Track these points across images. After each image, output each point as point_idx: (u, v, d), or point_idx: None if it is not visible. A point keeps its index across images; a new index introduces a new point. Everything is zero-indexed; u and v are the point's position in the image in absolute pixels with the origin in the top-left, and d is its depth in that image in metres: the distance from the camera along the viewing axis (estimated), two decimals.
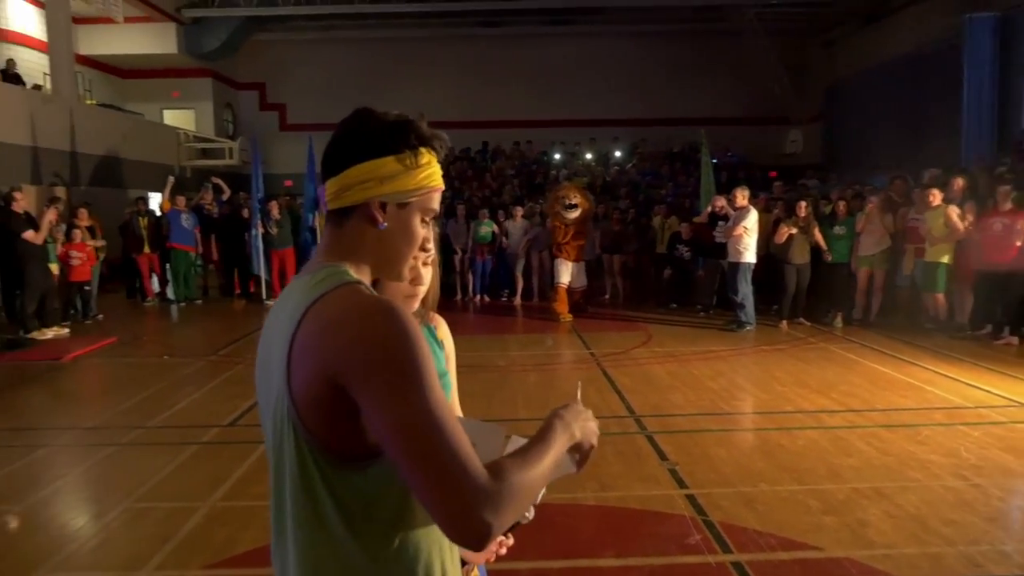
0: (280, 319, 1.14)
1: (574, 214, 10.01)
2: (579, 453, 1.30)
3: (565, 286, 10.21)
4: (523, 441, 1.22)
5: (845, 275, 9.57)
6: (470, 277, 12.42)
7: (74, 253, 10.14)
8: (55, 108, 13.89)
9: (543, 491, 1.38)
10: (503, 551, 1.69)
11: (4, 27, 15.47)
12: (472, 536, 1.01)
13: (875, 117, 16.27)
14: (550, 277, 11.23)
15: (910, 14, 15.31)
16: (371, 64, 20.62)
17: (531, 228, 12.16)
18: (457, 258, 12.43)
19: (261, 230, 11.76)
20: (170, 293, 12.42)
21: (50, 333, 9.09)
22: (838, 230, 9.54)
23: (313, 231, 11.69)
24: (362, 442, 1.07)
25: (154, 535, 3.64)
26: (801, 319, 9.51)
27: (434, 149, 1.24)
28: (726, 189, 10.94)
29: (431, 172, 1.23)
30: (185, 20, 18.72)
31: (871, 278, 9.36)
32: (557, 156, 18.97)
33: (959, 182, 8.83)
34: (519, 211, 12.37)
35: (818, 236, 9.32)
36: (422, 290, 1.66)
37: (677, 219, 11.82)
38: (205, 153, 19.72)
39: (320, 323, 1.07)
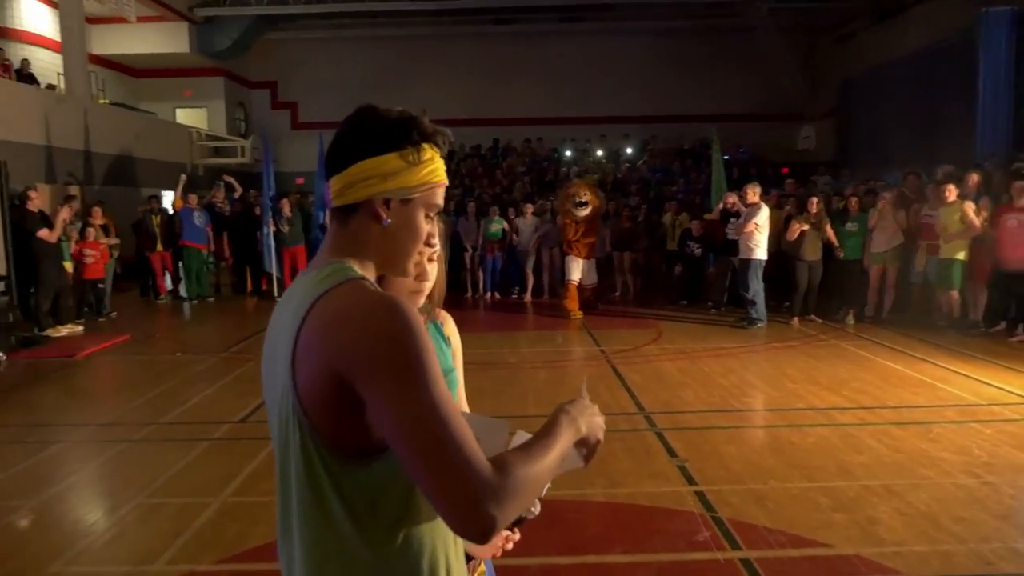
0: (285, 315, 1.15)
1: (584, 211, 10.00)
2: (586, 448, 1.31)
3: (576, 283, 10.20)
4: (527, 436, 1.23)
5: (857, 272, 9.51)
6: (480, 274, 12.43)
7: (88, 251, 10.24)
8: (69, 108, 14.00)
9: (547, 486, 1.38)
10: (509, 546, 1.69)
11: (18, 27, 15.61)
12: (476, 530, 1.01)
13: (889, 113, 16.13)
14: (560, 274, 11.24)
15: (925, 8, 15.16)
16: (382, 62, 20.65)
17: (541, 225, 12.15)
18: (467, 255, 12.45)
19: (272, 228, 11.83)
20: (183, 291, 12.50)
21: (64, 330, 9.19)
22: (850, 226, 9.48)
23: (324, 229, 11.64)
24: (367, 437, 1.08)
25: (166, 530, 3.68)
26: (813, 316, 9.46)
27: (437, 145, 1.24)
28: (738, 186, 10.90)
29: (434, 168, 1.24)
30: (197, 19, 18.81)
31: (884, 275, 9.30)
32: (568, 153, 18.94)
33: (974, 178, 8.75)
34: (529, 208, 12.36)
35: (830, 233, 9.27)
36: (428, 286, 1.66)
37: (688, 216, 11.79)
38: (217, 152, 19.82)
39: (324, 319, 1.08)
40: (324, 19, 20.16)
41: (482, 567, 1.84)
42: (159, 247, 12.18)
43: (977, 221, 8.11)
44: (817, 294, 9.53)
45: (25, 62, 14.31)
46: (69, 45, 14.79)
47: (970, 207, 8.17)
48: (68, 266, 9.80)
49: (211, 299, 12.48)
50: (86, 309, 10.37)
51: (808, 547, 3.37)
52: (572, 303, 10.16)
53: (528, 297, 12.10)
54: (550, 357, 7.93)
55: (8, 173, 9.51)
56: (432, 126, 1.23)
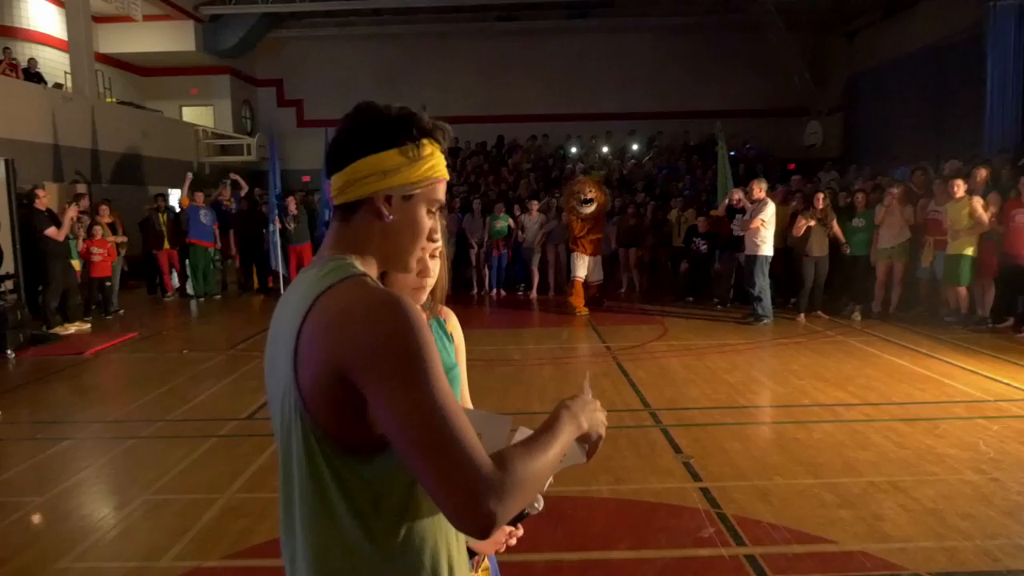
0: (287, 311, 1.16)
1: (589, 208, 9.98)
2: (588, 443, 1.31)
3: (581, 280, 10.20)
4: (529, 432, 1.23)
5: (864, 268, 9.48)
6: (486, 271, 12.44)
7: (95, 249, 10.29)
8: (76, 106, 14.06)
9: (549, 481, 1.38)
10: (513, 541, 1.70)
11: (25, 27, 15.69)
12: (477, 525, 1.02)
13: (896, 109, 16.05)
14: (566, 271, 11.23)
15: (932, 4, 15.07)
16: (387, 59, 20.65)
17: (547, 222, 12.14)
18: (473, 252, 12.45)
19: (278, 225, 11.86)
20: (189, 288, 12.55)
21: (72, 328, 9.24)
22: (857, 222, 9.45)
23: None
24: (369, 433, 1.09)
25: (173, 526, 3.70)
26: (819, 312, 9.44)
27: (436, 140, 1.24)
28: (744, 182, 10.87)
29: (434, 163, 1.24)
30: (203, 18, 18.85)
31: (890, 271, 9.27)
32: (573, 150, 18.90)
33: (982, 173, 8.70)
34: (535, 205, 12.35)
35: (836, 229, 9.24)
36: (430, 282, 1.66)
37: (694, 212, 11.76)
38: (223, 150, 19.88)
39: (326, 315, 1.08)
40: (330, 17, 20.21)
41: (486, 563, 1.84)
42: (166, 245, 12.24)
43: (985, 217, 8.07)
44: (823, 290, 9.50)
45: (32, 61, 14.37)
46: (76, 44, 14.87)
47: (979, 203, 8.12)
48: (76, 264, 9.85)
49: (218, 297, 12.53)
50: (94, 307, 10.43)
51: (813, 543, 3.37)
52: (578, 300, 10.15)
53: (534, 294, 12.09)
54: (556, 354, 7.93)
55: (16, 172, 9.56)
56: (431, 121, 1.23)
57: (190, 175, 12.81)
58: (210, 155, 19.38)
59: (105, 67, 17.75)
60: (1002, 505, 3.73)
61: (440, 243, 1.59)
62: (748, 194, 9.50)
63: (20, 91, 12.68)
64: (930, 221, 8.85)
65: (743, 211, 9.81)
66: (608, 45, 20.68)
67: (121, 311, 10.68)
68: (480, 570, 1.81)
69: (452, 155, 18.17)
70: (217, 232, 12.52)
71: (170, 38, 18.64)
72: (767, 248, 9.06)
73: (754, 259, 9.10)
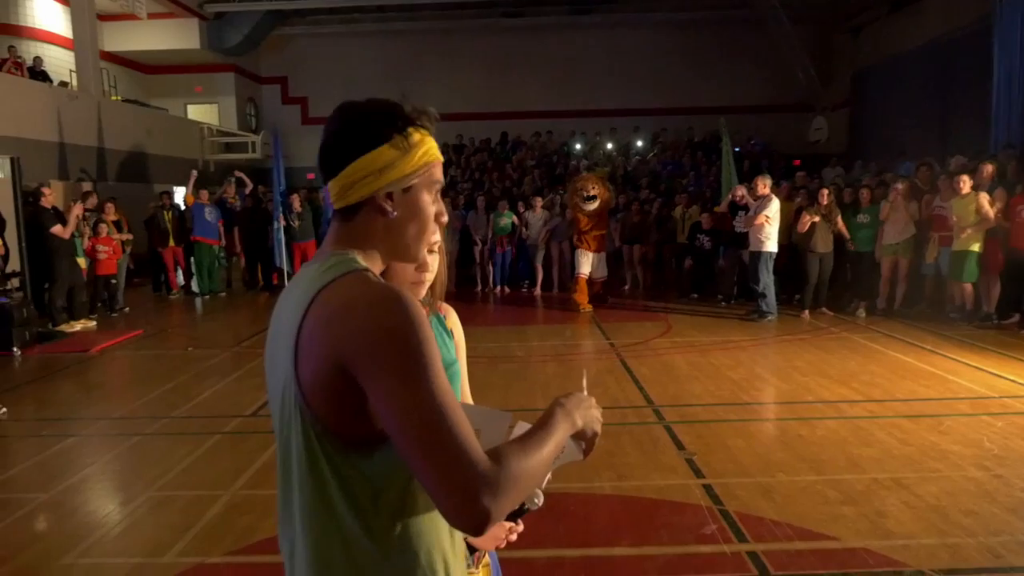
0: (288, 306, 1.16)
1: (593, 205, 9.98)
2: (584, 441, 1.31)
3: (585, 277, 10.19)
4: (528, 428, 1.23)
5: (869, 264, 9.45)
6: (490, 268, 12.44)
7: (101, 247, 10.32)
8: (81, 105, 14.11)
9: (548, 477, 1.39)
10: (513, 537, 1.70)
11: (30, 25, 15.73)
12: (471, 521, 1.02)
13: (902, 104, 15.98)
14: (570, 268, 11.23)
15: None
16: (391, 56, 20.65)
17: (551, 219, 12.14)
18: (477, 249, 12.46)
19: (283, 223, 11.88)
20: (194, 286, 12.58)
21: (78, 326, 9.28)
22: (862, 218, 9.42)
23: None
24: (369, 427, 1.09)
25: (177, 523, 3.71)
26: (824, 309, 9.41)
27: (423, 125, 1.23)
28: (748, 178, 10.84)
29: (426, 148, 1.23)
30: (207, 15, 18.87)
31: (895, 267, 9.23)
32: (577, 146, 18.89)
33: (988, 168, 8.66)
34: (539, 202, 12.34)
35: (841, 225, 9.22)
36: (428, 277, 1.66)
37: (698, 209, 11.74)
38: (228, 147, 19.92)
39: (328, 309, 1.08)
40: (334, 14, 20.21)
41: (487, 559, 1.85)
42: (171, 243, 12.27)
43: (992, 213, 8.03)
44: (828, 286, 9.48)
45: (38, 59, 14.42)
46: (81, 42, 14.91)
47: (985, 199, 8.09)
48: (82, 262, 9.89)
49: (222, 294, 12.56)
50: (99, 304, 10.46)
51: (816, 540, 3.37)
52: (581, 296, 10.15)
53: (538, 291, 12.09)
54: (559, 351, 7.93)
55: (22, 170, 9.61)
56: (413, 108, 1.22)
57: (195, 173, 12.84)
58: (215, 153, 19.42)
59: (110, 65, 17.79)
60: (1006, 502, 3.72)
61: (439, 239, 1.59)
62: (752, 190, 9.47)
63: (25, 89, 12.72)
64: (935, 217, 8.81)
65: (746, 208, 9.79)
66: (612, 41, 20.64)
67: (126, 309, 10.72)
68: (481, 566, 1.82)
69: (456, 151, 18.18)
70: (222, 230, 12.55)
71: (175, 36, 18.67)
72: (771, 244, 9.03)
73: (758, 255, 9.08)
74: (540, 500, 1.46)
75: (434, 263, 1.66)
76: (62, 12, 16.13)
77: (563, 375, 6.75)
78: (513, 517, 1.55)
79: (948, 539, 3.34)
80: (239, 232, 12.96)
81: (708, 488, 3.98)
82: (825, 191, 9.35)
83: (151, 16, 17.22)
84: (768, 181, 9.34)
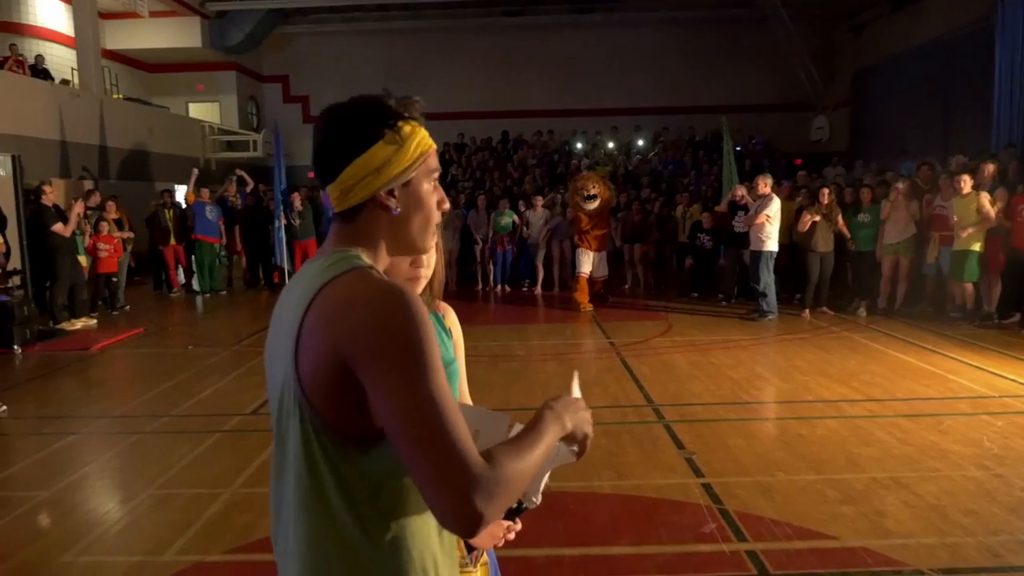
0: (290, 302, 1.16)
1: (593, 205, 9.97)
2: (575, 443, 1.31)
3: (586, 276, 10.19)
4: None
5: (869, 263, 9.44)
6: (491, 267, 12.44)
7: (102, 245, 10.33)
8: (83, 103, 14.12)
9: (547, 478, 1.39)
10: (511, 536, 1.70)
11: (32, 23, 15.74)
12: (463, 523, 1.02)
13: (904, 103, 15.97)
14: (571, 267, 11.22)
15: None
16: (393, 55, 20.66)
17: (552, 218, 12.13)
18: (478, 248, 12.46)
19: (284, 221, 11.88)
20: (195, 284, 12.59)
21: (79, 324, 9.29)
22: (862, 218, 9.41)
23: None
24: (367, 423, 1.09)
25: (177, 521, 3.72)
26: (824, 308, 9.40)
27: (412, 116, 1.22)
28: (750, 177, 10.83)
29: (419, 138, 1.22)
30: (209, 14, 18.87)
31: (896, 266, 9.23)
32: (579, 146, 18.88)
33: (990, 168, 8.65)
34: (539, 201, 12.34)
35: (841, 224, 9.21)
36: (425, 272, 1.64)
37: (699, 208, 11.74)
38: (230, 146, 19.94)
39: (330, 305, 1.08)
40: (335, 12, 20.20)
41: (485, 557, 1.85)
42: (172, 241, 12.28)
43: (993, 213, 8.03)
44: (829, 286, 9.47)
45: (39, 57, 14.43)
46: (83, 40, 14.92)
47: (986, 198, 8.08)
48: (83, 260, 9.90)
49: (223, 293, 12.57)
50: (100, 303, 10.47)
51: (815, 539, 3.37)
52: (582, 296, 10.15)
53: (538, 290, 12.09)
54: (560, 350, 7.93)
55: (23, 168, 9.61)
56: (399, 101, 1.22)
57: (196, 171, 12.85)
58: (216, 151, 19.43)
59: (112, 63, 17.79)
60: (1005, 501, 3.72)
61: (436, 237, 1.58)
62: (753, 189, 9.47)
63: (27, 87, 12.73)
64: (936, 216, 8.80)
65: (745, 208, 9.79)
66: (613, 40, 20.63)
67: (127, 307, 10.73)
68: (479, 565, 1.82)
69: (458, 150, 18.17)
70: (223, 228, 12.55)
71: (176, 34, 18.67)
72: (772, 244, 9.03)
73: (759, 255, 9.07)
74: (539, 499, 1.46)
75: (431, 260, 1.66)
76: (64, 10, 16.15)
77: (563, 374, 6.73)
78: (511, 516, 1.55)
79: (947, 538, 3.34)
80: (240, 230, 12.97)
81: (707, 487, 3.98)
82: (826, 190, 9.34)
83: (153, 14, 17.23)
84: (769, 180, 9.33)
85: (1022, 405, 5.38)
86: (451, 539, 1.27)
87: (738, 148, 15.68)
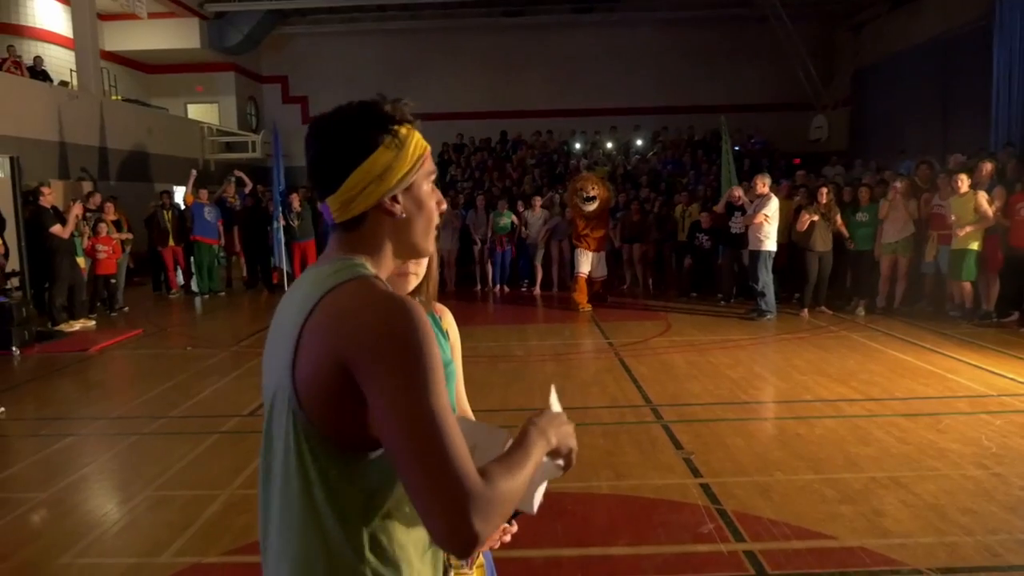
0: (290, 306, 1.15)
1: (592, 206, 9.97)
2: (560, 458, 1.30)
3: (585, 276, 10.19)
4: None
5: (868, 263, 9.44)
6: (489, 267, 12.44)
7: (100, 246, 10.33)
8: (82, 104, 14.11)
9: (540, 492, 1.38)
10: (507, 538, 1.70)
11: (31, 24, 15.74)
12: (458, 542, 1.00)
13: (903, 102, 15.98)
14: (570, 267, 11.22)
15: None
16: (392, 55, 20.67)
17: (551, 218, 12.13)
18: (477, 249, 12.46)
19: (282, 222, 11.88)
20: (194, 286, 12.59)
21: (77, 325, 9.28)
22: (861, 217, 9.42)
23: None
24: (361, 433, 1.08)
25: (175, 522, 3.72)
26: (823, 307, 9.40)
27: (406, 118, 1.21)
28: (749, 177, 10.83)
29: (416, 140, 1.22)
30: (208, 15, 18.87)
31: (894, 265, 9.23)
32: (578, 146, 18.88)
33: (988, 167, 8.65)
34: (538, 201, 12.34)
35: (840, 223, 9.21)
36: (414, 269, 1.62)
37: (698, 207, 11.74)
38: (228, 147, 19.94)
39: (332, 312, 1.07)
40: (334, 13, 20.21)
41: (480, 559, 1.84)
42: (171, 242, 12.28)
43: (990, 212, 8.03)
44: (827, 285, 9.47)
45: (38, 59, 14.42)
46: (81, 42, 14.92)
47: (983, 197, 8.08)
48: (81, 261, 9.89)
49: (222, 294, 12.58)
50: (99, 304, 10.47)
51: (813, 539, 3.36)
52: (581, 296, 10.15)
53: (537, 290, 12.09)
54: (558, 350, 7.93)
55: (22, 169, 9.61)
56: (392, 104, 1.20)
57: (194, 172, 12.85)
58: (215, 152, 19.43)
59: (110, 65, 17.80)
60: (1004, 500, 3.72)
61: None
62: (751, 189, 9.47)
63: (26, 89, 12.72)
64: (934, 215, 8.81)
65: (742, 209, 9.79)
66: (612, 40, 20.63)
67: (126, 308, 10.73)
68: (475, 567, 1.81)
69: (457, 150, 18.17)
70: (221, 229, 12.56)
71: (175, 35, 18.68)
72: (771, 243, 9.03)
73: (758, 254, 9.07)
74: (534, 510, 1.44)
75: (423, 258, 1.64)
76: (62, 12, 16.14)
77: (563, 374, 6.75)
78: (507, 518, 1.55)
79: (946, 538, 3.34)
80: (239, 231, 12.96)
81: (706, 487, 3.98)
82: (824, 190, 9.34)
83: (151, 16, 17.22)
84: (767, 180, 9.33)
85: (1021, 404, 5.38)
86: (439, 552, 1.26)
87: (737, 147, 15.69)
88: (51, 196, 9.61)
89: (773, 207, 9.02)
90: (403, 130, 1.20)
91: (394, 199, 1.18)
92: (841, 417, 5.19)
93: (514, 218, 12.24)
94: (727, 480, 4.07)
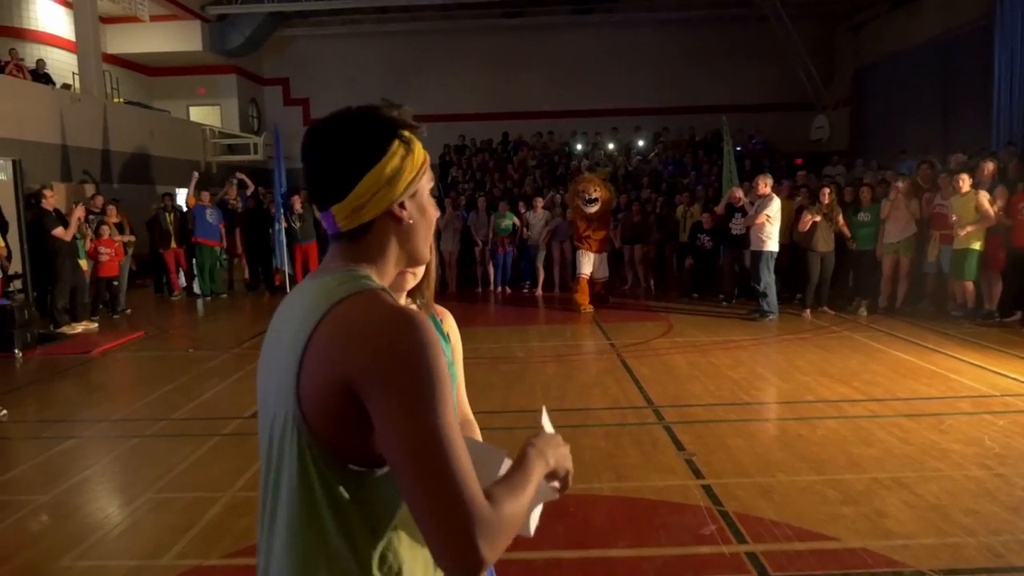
0: (292, 318, 1.12)
1: (595, 208, 9.96)
2: (557, 480, 1.30)
3: (586, 277, 10.19)
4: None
5: (870, 263, 9.43)
6: (491, 269, 12.44)
7: (102, 249, 10.35)
8: (84, 107, 14.13)
9: (536, 514, 1.38)
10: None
11: (33, 27, 15.77)
12: (464, 566, 0.98)
13: (904, 102, 15.97)
14: (571, 268, 11.22)
15: None
16: (393, 57, 20.70)
17: (552, 219, 12.13)
18: (478, 250, 12.46)
19: (284, 224, 11.89)
20: (196, 288, 12.61)
21: (79, 327, 9.30)
22: (862, 217, 9.40)
23: None
24: (366, 449, 1.06)
25: (176, 524, 3.72)
26: (825, 308, 9.39)
27: (408, 124, 1.20)
28: (750, 177, 10.82)
29: (417, 145, 1.21)
30: (210, 17, 18.91)
31: (896, 265, 9.21)
32: (579, 146, 18.88)
33: (989, 166, 8.64)
34: (540, 202, 12.34)
35: (842, 223, 9.20)
36: (414, 269, 1.62)
37: (699, 208, 11.73)
38: (230, 149, 19.96)
39: (339, 328, 1.05)
40: (335, 15, 20.25)
41: None
42: (173, 244, 12.30)
43: (992, 211, 8.01)
44: (829, 285, 9.46)
45: (40, 62, 14.43)
46: (84, 45, 14.94)
47: (985, 197, 8.07)
48: (84, 264, 9.91)
49: (224, 295, 12.58)
50: (101, 306, 10.49)
51: (815, 540, 3.36)
52: (582, 297, 10.14)
53: (539, 291, 12.09)
54: (560, 351, 7.92)
55: (24, 172, 9.63)
56: (395, 109, 1.20)
57: (196, 174, 12.87)
58: (217, 154, 19.46)
59: (113, 67, 17.81)
60: (1007, 501, 3.71)
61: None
62: (753, 190, 9.46)
63: (28, 92, 12.74)
64: (936, 215, 8.79)
65: (743, 210, 9.77)
66: (613, 40, 20.64)
67: (128, 310, 10.74)
68: None
69: (458, 152, 18.17)
70: (223, 231, 12.57)
71: (177, 38, 18.72)
72: (772, 244, 9.02)
73: (759, 255, 9.06)
74: (531, 533, 1.43)
75: None
76: (65, 15, 16.18)
77: (564, 376, 6.74)
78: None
79: (948, 539, 3.33)
80: (240, 234, 12.98)
81: (707, 488, 3.97)
82: (826, 190, 9.33)
83: (153, 18, 17.24)
84: (769, 180, 9.32)
85: (1023, 404, 5.36)
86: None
87: (738, 148, 15.68)
88: (53, 199, 9.63)
89: (775, 208, 9.01)
90: (407, 135, 1.19)
91: (401, 205, 1.17)
92: (843, 418, 5.18)
93: (515, 219, 12.24)
94: (729, 481, 4.06)
